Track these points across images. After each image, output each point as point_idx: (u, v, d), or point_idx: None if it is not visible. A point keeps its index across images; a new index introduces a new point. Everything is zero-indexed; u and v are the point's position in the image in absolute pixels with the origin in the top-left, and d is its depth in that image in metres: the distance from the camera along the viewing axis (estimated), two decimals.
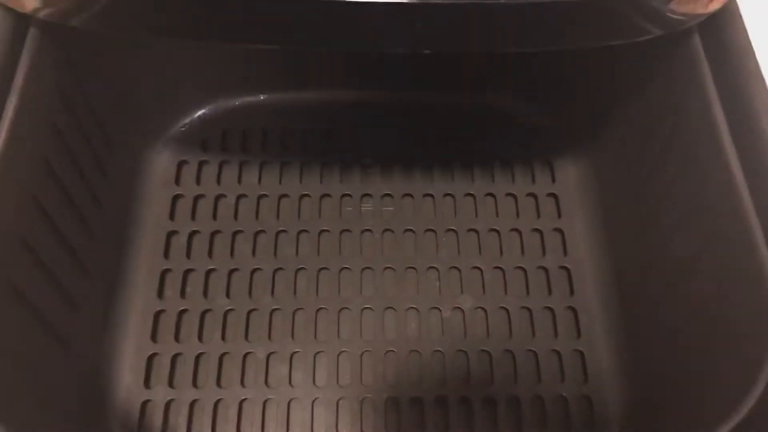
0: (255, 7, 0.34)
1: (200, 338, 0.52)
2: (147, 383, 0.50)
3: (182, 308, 0.53)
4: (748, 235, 0.37)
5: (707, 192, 0.41)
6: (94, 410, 0.48)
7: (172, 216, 0.57)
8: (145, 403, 0.49)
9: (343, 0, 0.34)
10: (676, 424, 0.44)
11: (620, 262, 0.54)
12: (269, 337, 0.52)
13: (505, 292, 0.54)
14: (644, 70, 0.49)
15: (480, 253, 0.56)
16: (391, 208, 0.58)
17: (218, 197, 0.58)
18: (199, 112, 0.61)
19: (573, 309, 0.54)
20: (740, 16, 0.42)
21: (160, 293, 0.53)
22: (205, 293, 0.54)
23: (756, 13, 0.43)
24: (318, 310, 0.53)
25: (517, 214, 0.58)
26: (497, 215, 0.58)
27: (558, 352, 0.52)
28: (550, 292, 0.55)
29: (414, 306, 0.54)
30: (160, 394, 0.50)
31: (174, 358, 0.51)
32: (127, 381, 0.50)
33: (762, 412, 0.35)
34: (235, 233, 0.56)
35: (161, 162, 0.59)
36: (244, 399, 0.50)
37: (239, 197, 0.58)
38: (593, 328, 0.53)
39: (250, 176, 0.59)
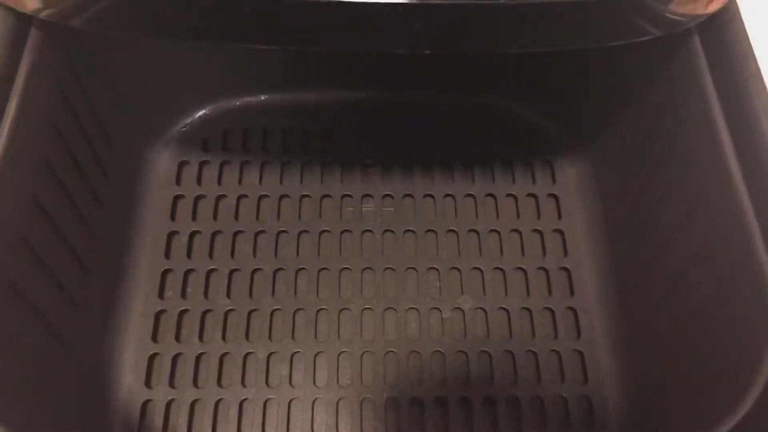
0: (255, 7, 0.34)
1: (201, 338, 0.52)
2: (148, 383, 0.50)
3: (183, 308, 0.53)
4: (746, 237, 0.37)
5: (706, 193, 0.41)
6: (94, 410, 0.48)
7: (172, 216, 0.57)
8: (145, 403, 0.50)
9: (344, 1, 0.34)
10: (675, 425, 0.44)
11: (620, 263, 0.54)
12: (270, 337, 0.52)
13: (506, 293, 0.55)
14: (644, 71, 0.49)
15: (480, 253, 0.56)
16: (391, 209, 0.58)
17: (219, 197, 0.58)
18: (200, 113, 0.61)
19: (573, 309, 0.54)
20: (740, 16, 0.42)
21: (161, 293, 0.53)
22: (206, 293, 0.54)
23: (756, 14, 0.43)
24: (318, 311, 0.53)
25: (518, 215, 0.58)
26: (497, 216, 0.58)
27: (558, 353, 0.52)
28: (550, 292, 0.55)
29: (414, 306, 0.54)
30: (160, 393, 0.50)
31: (175, 358, 0.51)
32: (127, 381, 0.50)
33: (760, 412, 0.35)
34: (236, 233, 0.56)
35: (162, 162, 0.59)
36: (245, 399, 0.50)
37: (240, 197, 0.58)
38: (593, 329, 0.53)
39: (251, 176, 0.59)
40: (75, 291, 0.45)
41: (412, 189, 0.59)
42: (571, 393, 0.51)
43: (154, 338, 0.52)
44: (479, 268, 0.55)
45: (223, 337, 0.52)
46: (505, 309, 0.54)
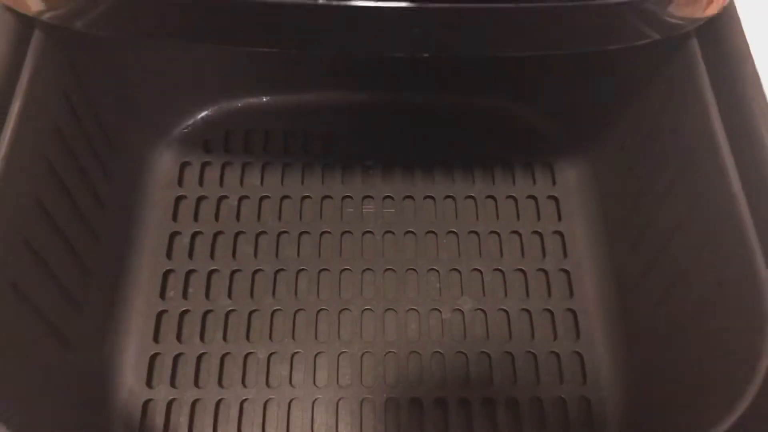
0: (254, 11, 0.35)
1: (202, 338, 0.52)
2: (149, 383, 0.50)
3: (184, 309, 0.53)
4: (743, 237, 0.37)
5: (704, 194, 0.41)
6: (96, 409, 0.48)
7: (174, 217, 0.57)
8: (147, 403, 0.50)
9: (342, 5, 0.34)
10: (673, 425, 0.44)
11: (619, 265, 0.54)
12: (270, 337, 0.52)
13: (505, 294, 0.55)
14: (643, 73, 0.49)
15: (480, 255, 0.56)
16: (392, 210, 0.58)
17: (220, 198, 0.58)
18: (202, 114, 0.61)
19: (572, 311, 0.54)
20: (738, 19, 0.42)
21: (163, 294, 0.54)
22: (207, 294, 0.54)
23: (754, 17, 0.43)
24: (319, 311, 0.53)
25: (518, 216, 0.58)
26: (497, 217, 0.58)
27: (557, 354, 0.53)
28: (549, 294, 0.55)
29: (414, 307, 0.54)
30: (162, 393, 0.50)
31: (176, 358, 0.51)
32: (129, 381, 0.50)
33: (756, 412, 0.35)
34: (237, 234, 0.56)
35: (164, 163, 0.59)
36: (245, 399, 0.50)
37: (241, 198, 0.58)
38: (592, 330, 0.53)
39: (253, 177, 0.59)
40: (76, 291, 0.46)
41: (412, 190, 0.59)
42: (570, 394, 0.51)
43: (156, 338, 0.52)
44: (479, 270, 0.55)
45: (224, 338, 0.52)
46: (504, 310, 0.54)
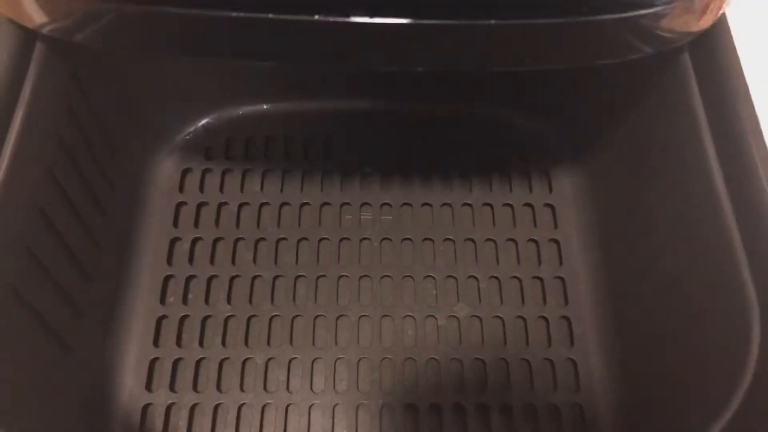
0: (251, 26, 0.35)
1: (201, 343, 0.53)
2: (149, 387, 0.51)
3: (184, 314, 0.54)
4: (730, 249, 0.38)
5: (693, 211, 0.42)
6: (96, 413, 0.49)
7: (175, 223, 0.58)
8: (146, 407, 0.51)
9: (338, 21, 0.35)
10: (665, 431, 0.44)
11: (614, 274, 0.54)
12: (268, 343, 0.53)
13: (501, 301, 0.55)
14: (637, 86, 0.49)
15: (476, 262, 0.57)
16: (389, 217, 0.59)
17: (221, 205, 0.59)
18: (203, 121, 0.62)
19: (567, 318, 0.55)
20: (730, 34, 0.43)
21: (163, 299, 0.54)
22: (207, 299, 0.55)
23: (746, 32, 0.44)
24: (316, 317, 0.54)
25: (514, 224, 0.59)
26: (494, 225, 0.59)
27: (551, 361, 0.53)
28: (544, 301, 0.56)
29: (410, 314, 0.54)
30: (161, 397, 0.51)
31: (175, 363, 0.52)
32: (129, 385, 0.51)
33: (742, 419, 0.36)
34: (237, 240, 0.57)
35: (165, 170, 0.60)
36: (243, 403, 0.51)
37: (241, 205, 0.59)
38: (586, 338, 0.54)
39: (253, 184, 0.60)
40: (78, 297, 0.47)
41: (410, 197, 0.60)
42: (564, 400, 0.52)
43: (156, 343, 0.53)
44: (475, 277, 0.56)
45: (223, 343, 0.53)
46: (499, 317, 0.55)
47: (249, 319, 0.54)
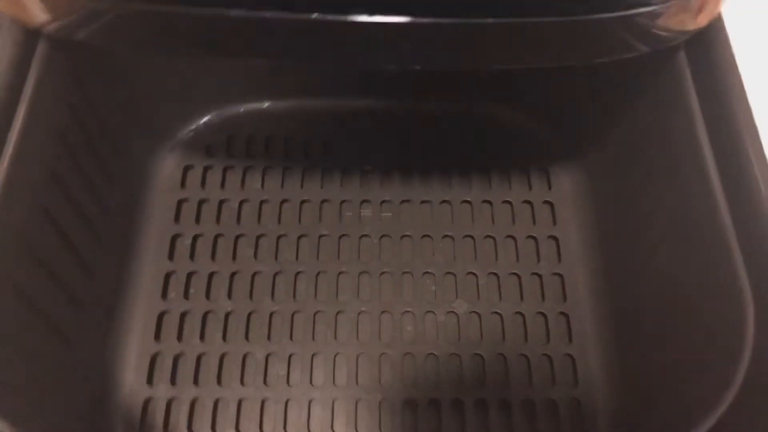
0: (251, 25, 0.36)
1: (202, 338, 0.53)
2: (149, 381, 0.52)
3: (185, 309, 0.54)
4: (725, 246, 0.38)
5: (689, 208, 0.42)
6: (97, 407, 0.49)
7: (176, 219, 0.58)
8: (147, 401, 0.51)
9: (336, 19, 0.35)
10: (662, 427, 0.45)
11: (612, 270, 0.55)
12: (268, 338, 0.54)
13: (500, 298, 0.56)
14: (633, 85, 0.50)
15: (475, 258, 0.57)
16: (389, 214, 0.59)
17: (222, 201, 0.59)
18: (205, 119, 0.62)
19: (565, 314, 0.55)
20: (726, 32, 0.43)
21: (164, 294, 0.55)
22: (208, 295, 0.55)
23: (741, 31, 0.44)
24: (316, 313, 0.55)
25: (513, 221, 0.59)
26: (493, 222, 0.59)
27: (549, 357, 0.53)
28: (543, 297, 0.56)
29: (409, 310, 0.55)
30: (162, 392, 0.51)
31: (176, 358, 0.53)
32: (130, 379, 0.52)
33: (737, 412, 0.36)
34: (238, 237, 0.58)
35: (167, 167, 0.60)
36: (243, 398, 0.51)
37: (242, 202, 0.59)
38: (584, 334, 0.54)
39: (253, 181, 0.60)
40: (79, 293, 0.47)
41: (410, 194, 0.60)
42: (562, 396, 0.52)
43: (157, 338, 0.53)
44: (474, 273, 0.56)
45: (224, 338, 0.53)
46: (498, 313, 0.55)
47: (249, 314, 0.54)
